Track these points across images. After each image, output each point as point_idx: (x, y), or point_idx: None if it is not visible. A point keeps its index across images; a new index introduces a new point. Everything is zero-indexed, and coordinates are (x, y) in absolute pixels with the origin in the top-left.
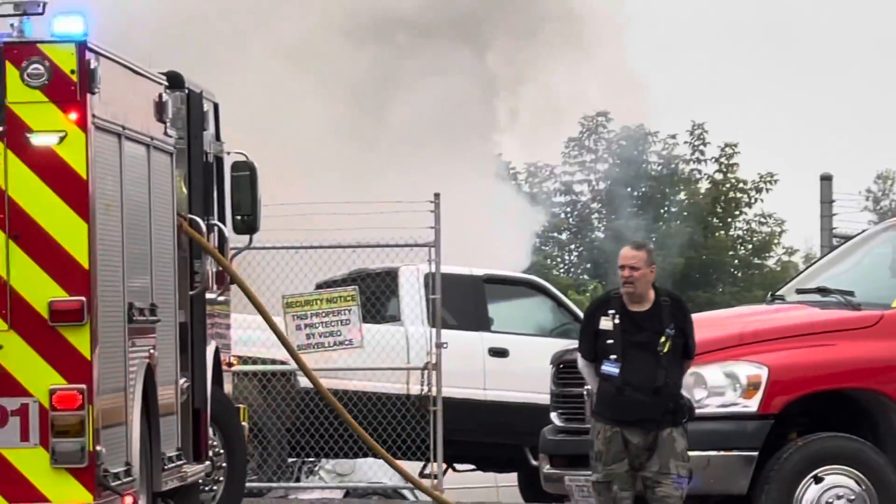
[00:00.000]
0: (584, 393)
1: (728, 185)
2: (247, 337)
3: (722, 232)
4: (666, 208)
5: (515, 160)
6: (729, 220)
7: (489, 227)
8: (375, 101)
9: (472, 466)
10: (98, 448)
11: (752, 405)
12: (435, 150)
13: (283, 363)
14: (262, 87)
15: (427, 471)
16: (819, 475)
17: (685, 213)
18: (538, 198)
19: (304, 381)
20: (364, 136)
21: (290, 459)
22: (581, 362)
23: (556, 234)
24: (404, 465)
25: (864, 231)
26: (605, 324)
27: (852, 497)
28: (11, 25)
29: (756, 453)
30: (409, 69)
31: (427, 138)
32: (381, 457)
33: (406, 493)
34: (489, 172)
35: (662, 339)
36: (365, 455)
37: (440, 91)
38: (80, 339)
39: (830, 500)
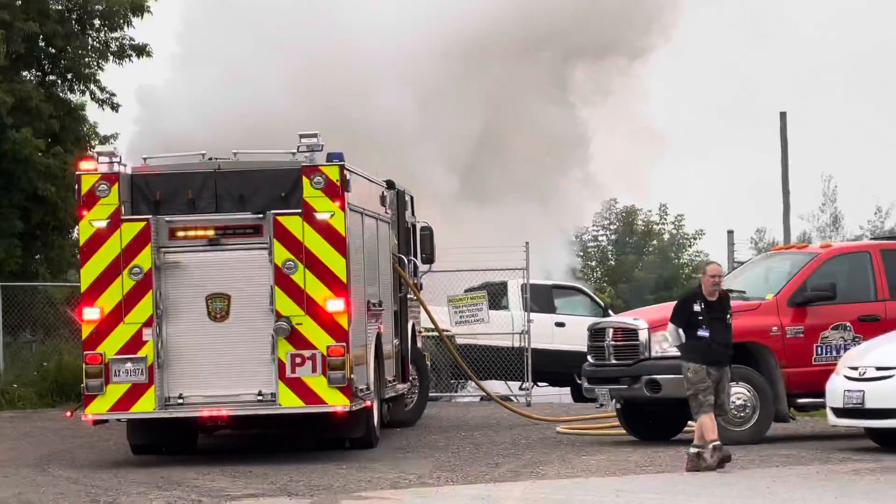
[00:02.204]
0: None
1: None
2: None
3: None
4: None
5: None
6: None
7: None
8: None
9: None
10: (352, 376)
11: None
12: (517, 203)
13: (446, 331)
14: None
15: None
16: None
17: None
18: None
19: (459, 340)
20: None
21: (451, 381)
22: None
23: None
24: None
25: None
26: None
27: (746, 397)
28: (306, 157)
29: None
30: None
31: (511, 192)
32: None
33: (511, 397)
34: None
35: None
36: (493, 378)
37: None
38: (342, 319)
39: (733, 401)
